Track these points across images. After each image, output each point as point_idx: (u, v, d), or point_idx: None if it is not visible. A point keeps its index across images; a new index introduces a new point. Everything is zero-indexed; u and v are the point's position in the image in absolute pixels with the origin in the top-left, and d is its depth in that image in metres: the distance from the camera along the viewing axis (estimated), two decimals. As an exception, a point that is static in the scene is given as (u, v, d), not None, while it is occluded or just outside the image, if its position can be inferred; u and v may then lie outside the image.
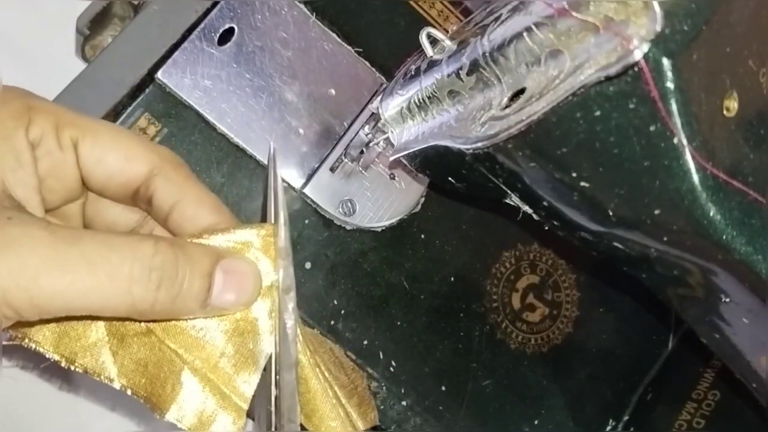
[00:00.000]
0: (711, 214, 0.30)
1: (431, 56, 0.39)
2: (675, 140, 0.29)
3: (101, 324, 0.30)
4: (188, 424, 0.31)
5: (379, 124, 0.43)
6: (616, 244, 0.34)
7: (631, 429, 0.51)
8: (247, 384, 0.31)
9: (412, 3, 0.49)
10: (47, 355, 0.30)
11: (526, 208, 0.37)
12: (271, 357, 0.32)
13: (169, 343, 0.30)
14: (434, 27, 0.39)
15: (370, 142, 0.45)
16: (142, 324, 0.30)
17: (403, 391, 0.46)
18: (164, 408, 0.31)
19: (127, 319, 0.30)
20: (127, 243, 0.26)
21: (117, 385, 0.31)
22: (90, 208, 0.33)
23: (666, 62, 0.28)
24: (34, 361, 0.46)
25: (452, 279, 0.48)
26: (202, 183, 0.33)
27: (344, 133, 0.46)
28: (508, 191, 0.37)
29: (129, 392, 0.31)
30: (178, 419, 0.31)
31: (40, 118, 0.29)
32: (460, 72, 0.36)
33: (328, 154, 0.45)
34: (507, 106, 0.33)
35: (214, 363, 0.31)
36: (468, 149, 0.35)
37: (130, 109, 0.41)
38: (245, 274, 0.30)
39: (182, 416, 0.31)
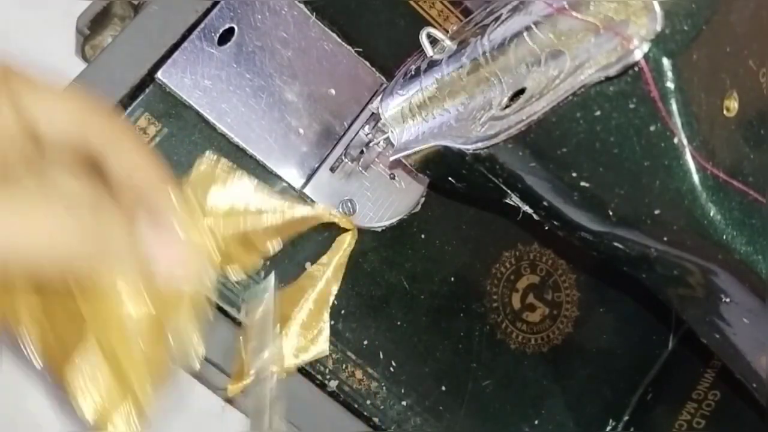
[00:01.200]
0: (711, 214, 0.30)
1: (431, 56, 0.39)
2: (675, 140, 0.29)
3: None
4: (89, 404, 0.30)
5: (379, 124, 0.43)
6: (616, 244, 0.34)
7: (631, 429, 0.51)
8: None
9: (412, 3, 0.49)
10: None
11: (526, 208, 0.37)
12: None
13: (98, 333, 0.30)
14: (434, 27, 0.39)
15: (370, 142, 0.45)
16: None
17: (403, 391, 0.46)
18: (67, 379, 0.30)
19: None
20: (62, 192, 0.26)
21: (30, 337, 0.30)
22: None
23: (666, 62, 0.28)
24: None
25: (452, 279, 0.48)
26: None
27: (344, 133, 0.46)
28: (508, 191, 0.37)
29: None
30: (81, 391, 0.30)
31: None
32: (460, 72, 0.36)
33: (328, 154, 0.45)
34: (507, 106, 0.33)
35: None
36: (468, 149, 0.35)
37: (130, 108, 0.41)
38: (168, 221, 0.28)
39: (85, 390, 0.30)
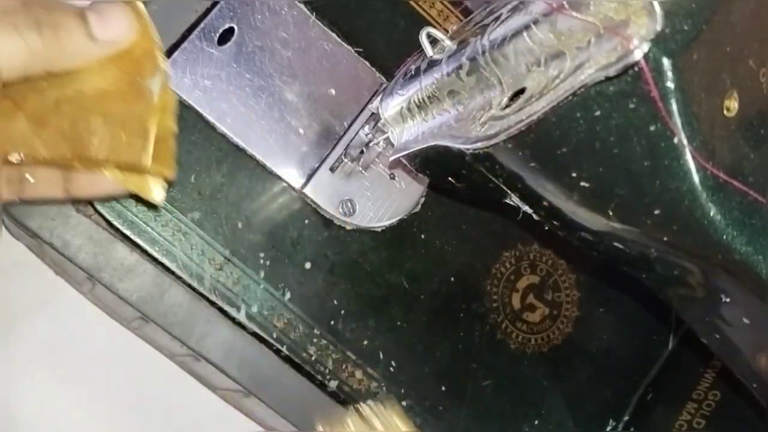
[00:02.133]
0: (711, 214, 0.30)
1: (431, 56, 0.39)
2: (675, 140, 0.29)
3: (21, 116, 0.34)
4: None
5: (379, 124, 0.43)
6: (616, 244, 0.34)
7: (631, 429, 0.51)
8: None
9: (412, 3, 0.49)
10: None
11: (526, 208, 0.37)
12: None
13: (82, 103, 0.34)
14: (434, 27, 0.39)
15: (370, 142, 0.45)
16: (52, 96, 0.34)
17: (403, 391, 0.46)
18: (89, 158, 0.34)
19: (35, 83, 0.33)
20: (10, 14, 0.31)
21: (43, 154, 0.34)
22: None
23: (666, 62, 0.28)
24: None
25: (452, 279, 0.48)
26: None
27: (344, 133, 0.46)
28: (508, 191, 0.37)
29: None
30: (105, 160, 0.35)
31: None
32: (460, 72, 0.36)
33: (328, 154, 0.45)
34: (507, 106, 0.33)
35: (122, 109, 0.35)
36: (468, 149, 0.35)
37: (130, 109, 0.41)
38: (112, 6, 0.33)
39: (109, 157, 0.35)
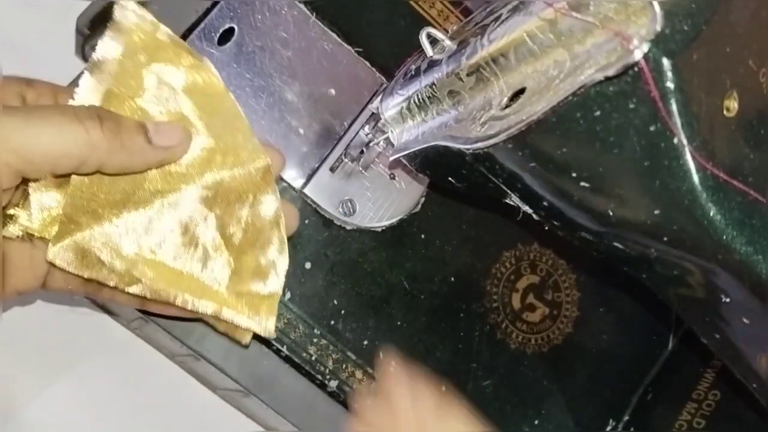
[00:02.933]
0: (711, 214, 0.30)
1: (431, 56, 0.39)
2: (675, 140, 0.29)
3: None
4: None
5: (379, 124, 0.43)
6: (616, 244, 0.34)
7: (631, 429, 0.51)
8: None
9: (412, 3, 0.49)
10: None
11: (526, 208, 0.37)
12: None
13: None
14: (434, 27, 0.39)
15: (370, 142, 0.45)
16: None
17: (403, 391, 0.45)
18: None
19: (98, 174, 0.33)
20: (73, 106, 0.33)
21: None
22: None
23: (666, 62, 0.28)
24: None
25: (452, 279, 0.48)
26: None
27: (344, 133, 0.46)
28: (508, 191, 0.37)
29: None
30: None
31: (39, 84, 0.34)
32: (460, 72, 0.36)
33: (328, 154, 0.45)
34: (507, 106, 0.33)
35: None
36: (468, 149, 0.35)
37: (130, 109, 0.41)
38: (166, 123, 0.35)
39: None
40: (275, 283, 0.37)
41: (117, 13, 0.34)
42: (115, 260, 0.34)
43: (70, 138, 0.31)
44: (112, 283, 0.34)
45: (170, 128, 0.34)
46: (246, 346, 0.39)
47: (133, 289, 0.34)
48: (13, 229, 0.33)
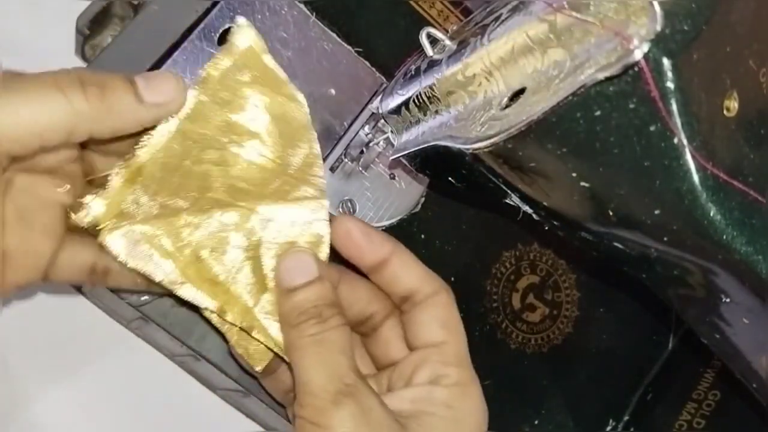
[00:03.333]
0: (711, 214, 0.30)
1: (431, 56, 0.39)
2: (675, 140, 0.29)
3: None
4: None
5: (379, 124, 0.43)
6: (616, 244, 0.34)
7: (631, 429, 0.51)
8: None
9: (412, 3, 0.49)
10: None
11: (526, 208, 0.37)
12: None
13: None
14: (434, 27, 0.39)
15: (370, 142, 0.45)
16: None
17: (403, 391, 0.45)
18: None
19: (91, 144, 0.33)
20: (51, 74, 0.31)
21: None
22: None
23: (666, 62, 0.28)
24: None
25: (452, 279, 0.48)
26: None
27: (344, 133, 0.45)
28: (508, 191, 0.37)
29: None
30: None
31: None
32: (460, 72, 0.36)
33: (328, 154, 0.45)
34: (507, 106, 0.33)
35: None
36: (468, 149, 0.35)
37: (130, 109, 0.41)
38: (160, 73, 0.34)
39: None
40: None
41: (234, 34, 0.34)
42: (165, 258, 0.34)
43: (53, 109, 0.29)
44: (158, 279, 0.34)
45: (162, 80, 0.33)
46: (259, 373, 0.38)
47: (179, 291, 0.35)
48: (79, 217, 0.33)
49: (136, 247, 0.34)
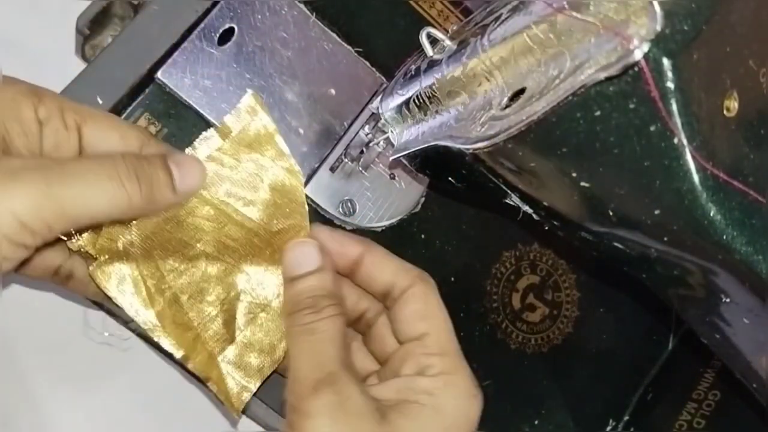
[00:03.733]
0: (711, 214, 0.30)
1: (431, 56, 0.39)
2: (675, 140, 0.29)
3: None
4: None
5: (379, 124, 0.43)
6: (616, 244, 0.34)
7: (631, 429, 0.51)
8: None
9: (412, 3, 0.49)
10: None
11: (526, 208, 0.37)
12: None
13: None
14: (434, 27, 0.39)
15: (370, 142, 0.45)
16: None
17: (403, 391, 0.45)
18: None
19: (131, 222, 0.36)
20: (110, 159, 0.33)
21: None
22: None
23: (666, 62, 0.28)
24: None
25: (452, 279, 0.48)
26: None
27: (344, 133, 0.46)
28: (508, 191, 0.37)
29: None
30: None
31: (48, 99, 0.34)
32: (460, 72, 0.36)
33: (328, 154, 0.45)
34: (507, 106, 0.33)
35: None
36: (468, 149, 0.35)
37: (130, 108, 0.41)
38: (189, 160, 0.35)
39: None
40: (251, 384, 0.39)
41: (242, 103, 0.36)
42: (146, 299, 0.36)
43: (114, 201, 0.32)
44: (135, 318, 0.36)
45: (191, 168, 0.35)
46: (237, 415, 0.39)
47: (151, 333, 0.37)
48: (71, 242, 0.35)
49: (121, 284, 0.36)
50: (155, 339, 0.37)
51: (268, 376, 0.39)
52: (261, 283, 0.38)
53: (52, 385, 0.47)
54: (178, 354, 0.37)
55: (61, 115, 0.34)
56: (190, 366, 0.37)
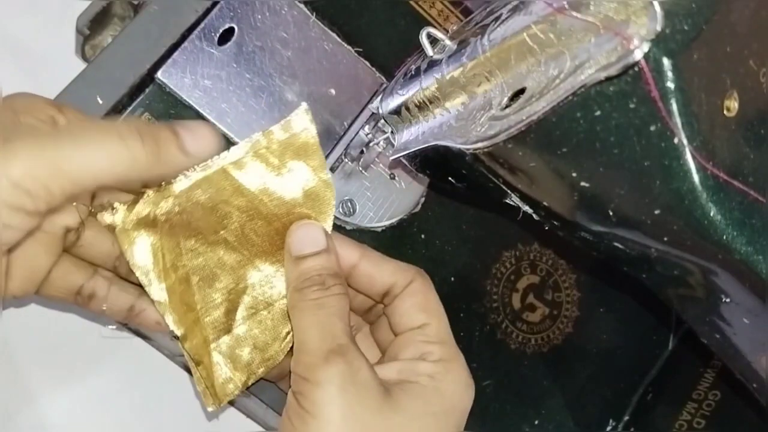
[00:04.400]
0: (711, 214, 0.30)
1: (431, 56, 0.39)
2: (675, 140, 0.29)
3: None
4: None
5: (379, 124, 0.43)
6: (616, 244, 0.34)
7: (631, 429, 0.51)
8: None
9: (412, 3, 0.49)
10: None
11: (526, 208, 0.37)
12: None
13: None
14: (434, 27, 0.39)
15: (370, 142, 0.45)
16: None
17: (403, 391, 0.45)
18: None
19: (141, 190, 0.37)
20: (109, 121, 0.34)
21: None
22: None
23: (666, 62, 0.28)
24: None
25: (452, 279, 0.48)
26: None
27: (344, 133, 0.46)
28: (508, 191, 0.37)
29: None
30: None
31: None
32: (460, 72, 0.36)
33: (328, 154, 0.45)
34: (507, 106, 0.33)
35: None
36: (468, 149, 0.35)
37: (130, 109, 0.41)
38: (198, 124, 0.35)
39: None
40: (237, 378, 0.39)
41: (294, 114, 0.37)
42: (160, 272, 0.38)
43: (113, 155, 0.31)
44: (146, 288, 0.37)
45: (201, 131, 0.35)
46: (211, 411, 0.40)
47: (155, 296, 0.38)
48: (102, 216, 0.37)
49: (141, 251, 0.37)
50: (160, 312, 0.37)
51: (255, 382, 0.40)
52: (270, 282, 0.39)
53: (52, 384, 0.47)
54: (179, 331, 0.38)
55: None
56: (186, 346, 0.38)
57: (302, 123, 0.37)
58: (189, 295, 0.38)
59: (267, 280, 0.39)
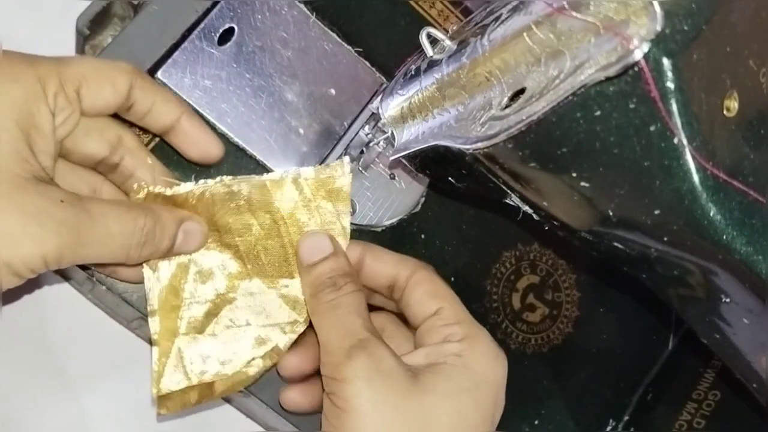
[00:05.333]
0: (711, 214, 0.30)
1: (431, 56, 0.39)
2: (675, 140, 0.29)
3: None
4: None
5: (379, 124, 0.43)
6: (616, 244, 0.34)
7: (631, 429, 0.51)
8: None
9: (412, 3, 0.49)
10: None
11: (526, 208, 0.37)
12: None
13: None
14: (434, 27, 0.39)
15: (370, 142, 0.45)
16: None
17: (403, 391, 0.45)
18: None
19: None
20: (128, 214, 0.35)
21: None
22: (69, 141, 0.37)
23: (666, 62, 0.28)
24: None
25: (452, 279, 0.48)
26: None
27: (344, 133, 0.46)
28: (508, 191, 0.37)
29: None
30: None
31: (51, 84, 0.35)
32: (460, 72, 0.36)
33: (328, 154, 0.45)
34: (507, 106, 0.33)
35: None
36: (468, 149, 0.35)
37: (130, 109, 0.41)
38: (197, 232, 0.38)
39: None
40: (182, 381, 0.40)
41: (339, 168, 0.40)
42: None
43: (114, 256, 0.35)
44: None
45: (195, 237, 0.38)
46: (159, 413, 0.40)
47: (146, 273, 0.39)
48: (133, 195, 0.38)
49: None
50: (149, 285, 0.39)
51: (205, 399, 0.40)
52: (260, 304, 0.40)
53: (54, 384, 0.47)
54: (155, 306, 0.38)
55: (64, 91, 0.35)
56: (152, 327, 0.39)
57: (341, 171, 0.40)
58: (180, 282, 0.39)
59: (256, 301, 0.40)
